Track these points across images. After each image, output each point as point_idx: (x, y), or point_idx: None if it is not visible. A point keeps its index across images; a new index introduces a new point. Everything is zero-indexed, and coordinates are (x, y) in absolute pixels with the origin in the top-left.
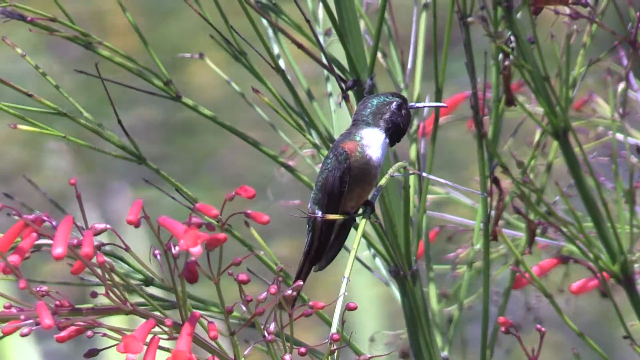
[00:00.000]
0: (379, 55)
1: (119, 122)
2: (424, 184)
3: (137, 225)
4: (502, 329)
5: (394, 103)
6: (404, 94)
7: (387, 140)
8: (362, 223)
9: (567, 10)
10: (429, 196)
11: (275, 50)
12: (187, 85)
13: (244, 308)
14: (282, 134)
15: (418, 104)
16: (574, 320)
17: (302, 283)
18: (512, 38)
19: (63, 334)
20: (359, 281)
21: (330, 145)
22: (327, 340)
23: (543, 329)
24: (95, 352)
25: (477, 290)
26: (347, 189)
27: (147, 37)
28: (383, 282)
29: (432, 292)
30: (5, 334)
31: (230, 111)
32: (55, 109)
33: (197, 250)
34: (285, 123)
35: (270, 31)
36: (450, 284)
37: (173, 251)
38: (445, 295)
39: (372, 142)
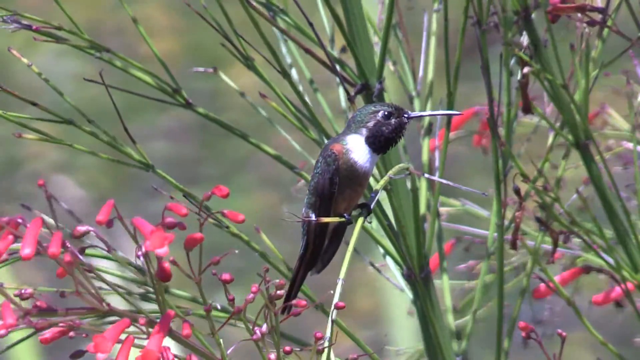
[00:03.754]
0: (390, 63)
1: (125, 129)
2: (436, 187)
3: (108, 225)
4: (523, 334)
5: (381, 112)
6: (416, 101)
7: (369, 147)
8: (359, 224)
9: (583, 17)
10: (446, 209)
11: (287, 58)
12: (230, 88)
13: (219, 307)
14: (284, 132)
15: (422, 113)
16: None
17: (284, 282)
18: (530, 46)
19: (46, 335)
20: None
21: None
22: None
23: (564, 334)
24: (80, 353)
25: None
26: (337, 190)
27: (187, 39)
28: (398, 288)
29: (448, 301)
30: None
31: (271, 115)
32: (59, 117)
33: (163, 251)
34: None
35: (280, 37)
36: (464, 295)
37: (142, 252)
38: (455, 309)
39: (355, 147)
